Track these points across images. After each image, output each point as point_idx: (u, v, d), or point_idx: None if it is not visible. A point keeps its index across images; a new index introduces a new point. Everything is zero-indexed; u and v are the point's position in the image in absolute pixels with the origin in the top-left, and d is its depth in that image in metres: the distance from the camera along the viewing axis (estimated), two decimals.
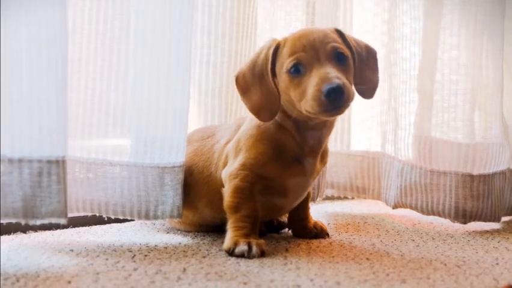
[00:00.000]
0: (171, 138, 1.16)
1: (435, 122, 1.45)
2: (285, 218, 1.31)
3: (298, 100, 1.05)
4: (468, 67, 1.42)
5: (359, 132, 1.68)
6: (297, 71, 1.04)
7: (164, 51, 1.14)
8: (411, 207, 1.45)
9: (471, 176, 1.39)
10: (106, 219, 1.26)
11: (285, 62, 1.06)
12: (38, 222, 0.99)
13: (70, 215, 1.23)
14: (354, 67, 1.10)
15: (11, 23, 0.96)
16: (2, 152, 0.98)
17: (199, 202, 1.19)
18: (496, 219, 1.42)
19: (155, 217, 1.16)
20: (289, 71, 1.05)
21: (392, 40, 1.51)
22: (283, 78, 1.07)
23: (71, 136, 1.14)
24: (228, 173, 1.12)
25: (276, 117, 1.12)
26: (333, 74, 1.01)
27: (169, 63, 1.14)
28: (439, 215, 1.42)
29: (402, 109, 1.48)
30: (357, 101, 1.64)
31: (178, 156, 1.16)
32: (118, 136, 1.18)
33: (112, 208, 1.15)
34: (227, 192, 1.11)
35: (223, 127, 1.23)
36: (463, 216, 1.39)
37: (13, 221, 1.00)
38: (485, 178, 1.40)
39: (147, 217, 1.16)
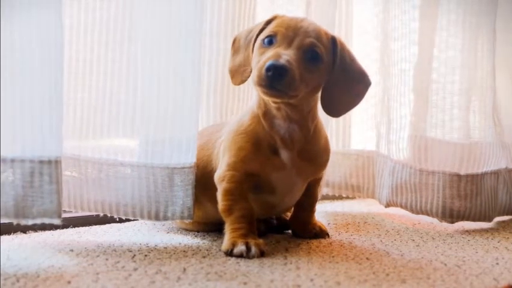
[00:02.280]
0: (180, 139, 1.16)
1: (426, 122, 1.45)
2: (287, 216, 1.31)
3: (253, 68, 1.07)
4: (462, 67, 1.42)
5: (359, 132, 1.68)
6: (269, 42, 1.06)
7: (173, 50, 1.14)
8: (401, 206, 1.46)
9: (458, 176, 1.39)
10: (106, 219, 1.26)
11: (265, 31, 1.08)
12: (30, 222, 0.99)
13: (81, 214, 1.25)
14: (327, 75, 1.09)
15: (6, 23, 0.96)
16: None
17: (203, 196, 1.19)
18: (487, 219, 1.42)
19: (165, 218, 1.16)
20: (262, 40, 1.07)
21: (388, 40, 1.51)
22: (256, 45, 1.09)
23: (83, 136, 1.15)
24: (217, 176, 1.13)
25: (255, 107, 1.13)
26: (286, 57, 1.01)
27: (178, 63, 1.14)
28: (427, 214, 1.42)
29: (395, 108, 1.48)
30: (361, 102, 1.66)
31: (188, 156, 1.16)
32: (128, 136, 1.18)
33: (123, 209, 1.15)
34: (219, 196, 1.12)
35: (228, 123, 1.23)
36: (450, 215, 1.39)
37: (5, 221, 1.00)
38: (473, 178, 1.40)
39: (157, 218, 1.16)
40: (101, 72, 1.16)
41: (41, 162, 0.99)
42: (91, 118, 1.16)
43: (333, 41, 1.10)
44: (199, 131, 1.23)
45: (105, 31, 1.16)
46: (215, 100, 1.39)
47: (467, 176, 1.39)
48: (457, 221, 1.40)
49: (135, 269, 0.95)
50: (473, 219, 1.40)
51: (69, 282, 0.87)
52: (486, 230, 1.38)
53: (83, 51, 1.15)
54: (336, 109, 1.14)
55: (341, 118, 1.61)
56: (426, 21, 1.44)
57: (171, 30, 1.14)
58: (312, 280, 0.92)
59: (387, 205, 1.49)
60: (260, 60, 1.04)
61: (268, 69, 0.99)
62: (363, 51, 1.63)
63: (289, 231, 1.28)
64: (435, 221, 1.46)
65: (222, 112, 1.40)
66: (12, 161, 0.98)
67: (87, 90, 1.15)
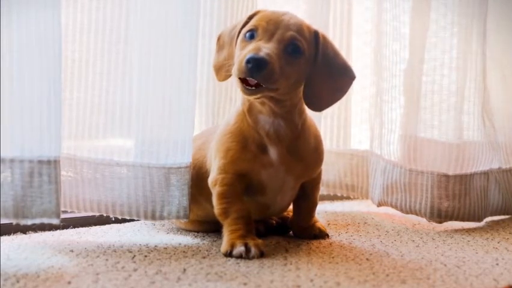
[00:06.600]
0: (176, 139, 1.16)
1: (416, 122, 1.45)
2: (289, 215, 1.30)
3: (234, 62, 1.06)
4: (452, 69, 1.43)
5: (359, 132, 1.68)
6: (251, 36, 1.06)
7: (169, 51, 1.14)
8: (391, 206, 1.47)
9: (446, 176, 1.40)
10: (106, 219, 1.26)
11: (247, 26, 1.08)
12: (29, 222, 0.99)
13: (78, 214, 1.25)
14: (308, 69, 1.08)
15: (4, 23, 0.96)
16: None
17: (200, 196, 1.20)
18: (476, 219, 1.42)
19: (162, 218, 1.16)
20: (244, 34, 1.08)
21: (383, 42, 1.51)
22: (239, 39, 1.09)
23: (79, 136, 1.15)
24: (210, 181, 1.13)
25: (241, 104, 1.13)
26: (266, 50, 1.01)
27: (174, 63, 1.14)
28: (416, 214, 1.43)
29: (390, 109, 1.48)
30: (356, 102, 1.67)
31: (184, 156, 1.16)
32: (124, 136, 1.18)
33: (119, 208, 1.15)
34: (214, 200, 1.12)
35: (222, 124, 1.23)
36: (438, 215, 1.40)
37: (4, 221, 1.00)
38: (462, 178, 1.40)
39: (153, 218, 1.16)
40: (97, 72, 1.16)
41: (40, 162, 1.00)
42: (86, 118, 1.16)
43: (316, 35, 1.10)
44: (200, 132, 1.23)
45: (101, 31, 1.16)
46: (207, 100, 1.40)
47: (455, 176, 1.40)
48: (445, 221, 1.40)
49: (135, 270, 0.95)
50: (462, 219, 1.41)
51: (69, 282, 0.87)
52: (486, 231, 1.38)
53: (79, 51, 1.15)
54: (318, 103, 1.12)
55: (335, 117, 1.62)
56: (418, 23, 1.45)
57: (167, 30, 1.14)
58: (312, 280, 0.92)
59: (379, 204, 1.49)
60: (241, 54, 1.04)
61: (248, 61, 0.99)
62: (362, 51, 1.64)
63: (290, 232, 1.28)
64: None
65: (214, 113, 1.40)
66: (12, 161, 0.98)
67: (83, 90, 1.16)
